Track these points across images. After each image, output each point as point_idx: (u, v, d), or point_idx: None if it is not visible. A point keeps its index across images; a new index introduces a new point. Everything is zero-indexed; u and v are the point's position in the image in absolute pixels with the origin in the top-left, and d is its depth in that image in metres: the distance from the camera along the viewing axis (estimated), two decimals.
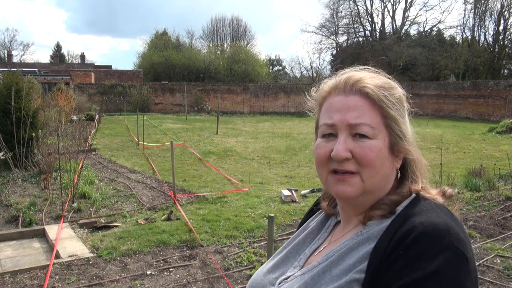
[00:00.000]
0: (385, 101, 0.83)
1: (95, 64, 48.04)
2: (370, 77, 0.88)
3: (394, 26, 42.46)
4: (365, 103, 0.83)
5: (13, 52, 48.38)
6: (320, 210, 1.03)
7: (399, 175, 0.88)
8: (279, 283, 0.89)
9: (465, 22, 50.85)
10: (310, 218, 1.04)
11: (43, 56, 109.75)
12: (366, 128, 0.82)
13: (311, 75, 36.63)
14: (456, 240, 0.72)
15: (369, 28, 43.89)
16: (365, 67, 0.93)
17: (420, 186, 0.86)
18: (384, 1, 41.76)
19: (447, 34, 42.17)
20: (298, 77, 45.17)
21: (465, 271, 0.71)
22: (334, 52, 45.90)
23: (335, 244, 0.88)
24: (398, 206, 0.82)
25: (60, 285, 3.74)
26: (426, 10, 59.71)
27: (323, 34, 45.24)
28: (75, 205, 5.98)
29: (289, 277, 0.90)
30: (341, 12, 43.45)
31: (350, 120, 0.82)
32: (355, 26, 44.03)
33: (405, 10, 41.62)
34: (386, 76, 0.91)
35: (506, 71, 36.65)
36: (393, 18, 42.74)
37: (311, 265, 0.86)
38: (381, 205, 0.83)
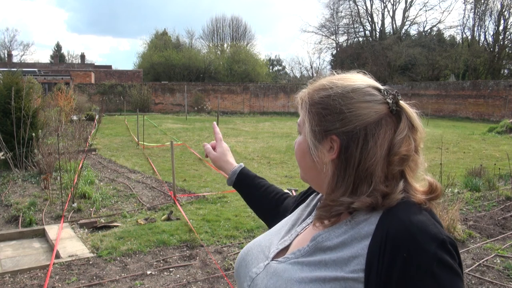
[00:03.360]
0: (304, 102, 0.92)
1: (95, 64, 48.04)
2: (323, 81, 0.92)
3: (394, 26, 42.50)
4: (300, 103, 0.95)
5: (13, 52, 48.43)
6: (315, 193, 1.11)
7: (326, 168, 0.88)
8: (271, 259, 0.93)
9: (465, 22, 50.92)
10: (305, 202, 1.10)
11: (43, 56, 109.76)
12: (298, 125, 0.97)
13: (311, 75, 36.63)
14: (443, 232, 0.78)
15: (369, 28, 43.91)
16: (360, 70, 0.96)
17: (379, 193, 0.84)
18: (384, 1, 41.79)
19: (447, 34, 42.22)
20: (298, 77, 45.25)
21: (458, 253, 0.79)
22: (334, 52, 45.92)
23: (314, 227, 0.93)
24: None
25: (60, 285, 3.74)
26: (426, 10, 59.92)
27: (323, 34, 45.28)
28: (75, 205, 5.98)
29: (280, 253, 0.94)
30: (341, 12, 43.51)
31: None
32: (355, 26, 44.06)
33: (405, 10, 41.65)
34: (345, 77, 0.91)
35: (506, 71, 36.64)
36: (393, 18, 42.77)
37: (303, 248, 0.89)
38: (328, 210, 0.86)
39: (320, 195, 1.04)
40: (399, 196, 0.82)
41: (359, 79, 0.90)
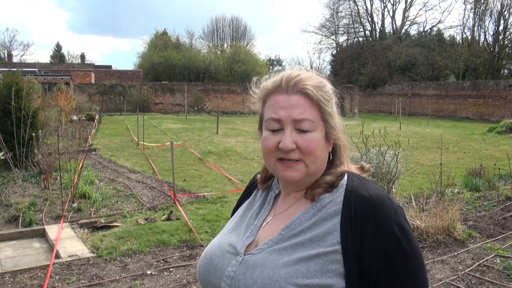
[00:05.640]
0: (322, 99, 0.98)
1: (95, 64, 48.03)
2: (307, 78, 1.00)
3: (394, 26, 42.50)
4: (306, 101, 0.97)
5: (13, 52, 48.47)
6: (256, 190, 1.17)
7: (331, 157, 1.05)
8: (244, 254, 0.98)
9: (465, 22, 51.03)
10: (249, 199, 1.17)
11: (43, 56, 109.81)
12: (308, 123, 0.96)
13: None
14: (394, 202, 0.95)
15: (369, 28, 43.93)
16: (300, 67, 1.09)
17: (346, 166, 1.05)
18: (384, 1, 41.80)
19: (447, 34, 42.21)
20: None
21: (407, 218, 0.97)
22: (334, 52, 45.93)
23: (284, 215, 1.02)
24: (339, 181, 1.00)
25: (60, 285, 3.74)
26: (426, 10, 60.08)
27: (323, 34, 45.34)
28: (75, 205, 5.98)
29: (248, 248, 0.99)
30: (341, 12, 43.55)
31: (295, 116, 0.96)
32: (355, 26, 44.08)
33: (405, 10, 41.67)
34: (318, 74, 1.04)
35: (506, 71, 36.63)
36: (393, 18, 42.79)
37: (275, 237, 0.98)
38: (321, 185, 1.00)
39: (270, 194, 1.11)
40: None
41: None
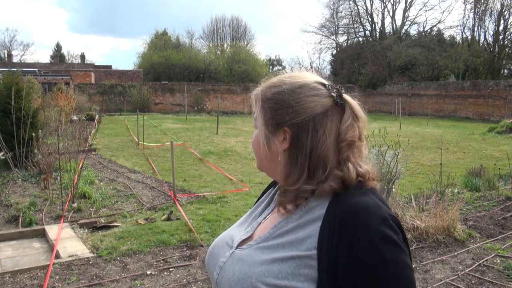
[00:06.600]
0: (255, 100, 1.01)
1: (95, 64, 48.02)
2: (274, 79, 1.01)
3: (394, 26, 42.46)
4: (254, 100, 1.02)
5: (13, 52, 48.43)
6: (272, 187, 1.18)
7: (280, 157, 0.97)
8: (236, 247, 1.02)
9: (465, 22, 50.97)
10: (265, 194, 1.20)
11: (43, 56, 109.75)
12: (254, 120, 1.02)
13: None
14: (385, 210, 0.88)
15: (369, 28, 43.88)
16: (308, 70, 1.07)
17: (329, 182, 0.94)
18: (384, 1, 41.77)
19: (447, 34, 42.14)
20: None
21: (401, 229, 0.88)
22: (334, 52, 45.91)
23: (277, 214, 1.01)
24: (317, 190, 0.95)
25: (60, 285, 3.74)
26: (426, 10, 59.92)
27: (323, 34, 45.30)
28: (75, 205, 5.98)
29: (243, 243, 1.02)
30: (341, 12, 43.49)
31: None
32: (355, 26, 44.03)
33: (405, 10, 41.62)
34: (294, 75, 1.00)
35: (506, 71, 36.59)
36: (393, 18, 42.74)
37: (264, 235, 0.99)
38: (288, 196, 0.96)
39: (276, 188, 1.13)
40: (354, 177, 0.91)
41: (306, 76, 0.99)
